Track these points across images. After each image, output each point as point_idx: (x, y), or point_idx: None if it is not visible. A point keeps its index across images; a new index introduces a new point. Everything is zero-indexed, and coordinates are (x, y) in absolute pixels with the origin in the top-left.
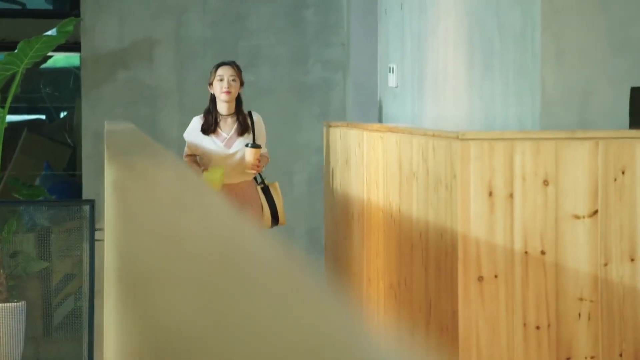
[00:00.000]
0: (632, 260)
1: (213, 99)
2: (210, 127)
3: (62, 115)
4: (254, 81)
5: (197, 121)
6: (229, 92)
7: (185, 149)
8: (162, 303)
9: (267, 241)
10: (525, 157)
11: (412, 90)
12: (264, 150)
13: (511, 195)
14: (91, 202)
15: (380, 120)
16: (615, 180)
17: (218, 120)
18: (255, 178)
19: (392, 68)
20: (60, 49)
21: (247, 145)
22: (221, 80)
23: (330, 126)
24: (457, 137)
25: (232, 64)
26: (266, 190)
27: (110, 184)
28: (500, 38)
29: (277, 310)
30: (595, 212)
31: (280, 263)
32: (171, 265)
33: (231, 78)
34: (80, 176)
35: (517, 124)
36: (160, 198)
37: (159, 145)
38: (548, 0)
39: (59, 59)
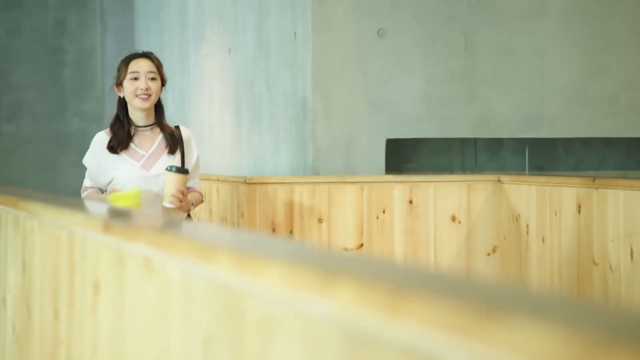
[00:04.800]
0: None
1: (123, 104)
2: (121, 142)
3: None
4: (17, 131)
5: (101, 137)
6: (147, 97)
7: (85, 180)
8: None
9: None
10: (302, 198)
11: None
12: (197, 185)
13: (291, 232)
14: None
15: None
16: (377, 218)
17: (132, 133)
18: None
19: None
20: None
21: (168, 169)
22: (135, 79)
23: None
24: (244, 182)
25: (150, 56)
26: None
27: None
28: (269, 96)
29: None
30: (361, 245)
31: None
32: None
33: (149, 76)
34: None
35: (289, 170)
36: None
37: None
38: (317, 62)
39: None
